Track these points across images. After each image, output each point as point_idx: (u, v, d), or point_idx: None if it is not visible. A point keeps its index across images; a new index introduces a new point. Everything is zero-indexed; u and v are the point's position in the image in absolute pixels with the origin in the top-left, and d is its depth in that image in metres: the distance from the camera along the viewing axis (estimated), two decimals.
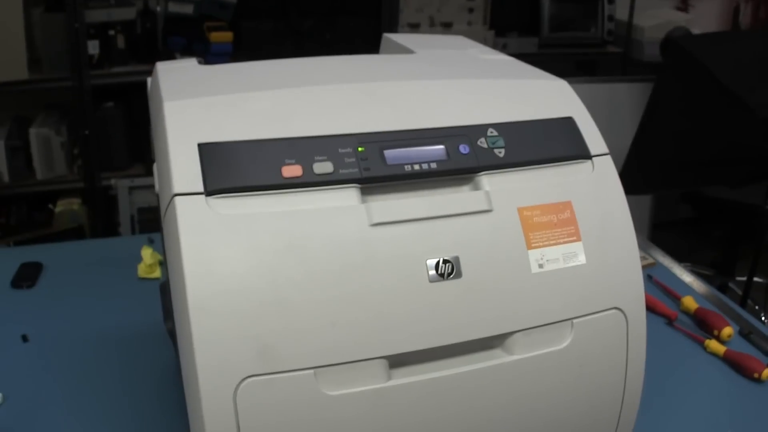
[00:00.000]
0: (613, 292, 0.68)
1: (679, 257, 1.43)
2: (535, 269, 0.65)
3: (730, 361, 1.03)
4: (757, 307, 2.64)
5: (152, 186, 0.67)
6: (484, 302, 0.63)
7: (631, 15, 2.86)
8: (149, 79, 0.79)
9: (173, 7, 2.51)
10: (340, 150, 0.63)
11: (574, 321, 0.66)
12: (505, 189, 0.66)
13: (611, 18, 2.86)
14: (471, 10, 2.72)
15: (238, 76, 0.75)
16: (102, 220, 2.61)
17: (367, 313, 0.60)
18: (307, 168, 0.62)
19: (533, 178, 0.68)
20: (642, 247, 1.37)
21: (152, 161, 0.69)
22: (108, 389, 0.95)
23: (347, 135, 0.64)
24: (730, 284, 2.74)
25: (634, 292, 0.69)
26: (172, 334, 0.75)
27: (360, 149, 0.64)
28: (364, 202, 0.62)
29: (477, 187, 0.66)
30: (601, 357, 0.68)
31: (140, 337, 1.05)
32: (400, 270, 0.61)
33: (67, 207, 2.54)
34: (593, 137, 0.72)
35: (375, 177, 0.63)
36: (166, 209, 0.60)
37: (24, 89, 2.40)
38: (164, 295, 0.87)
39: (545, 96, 0.74)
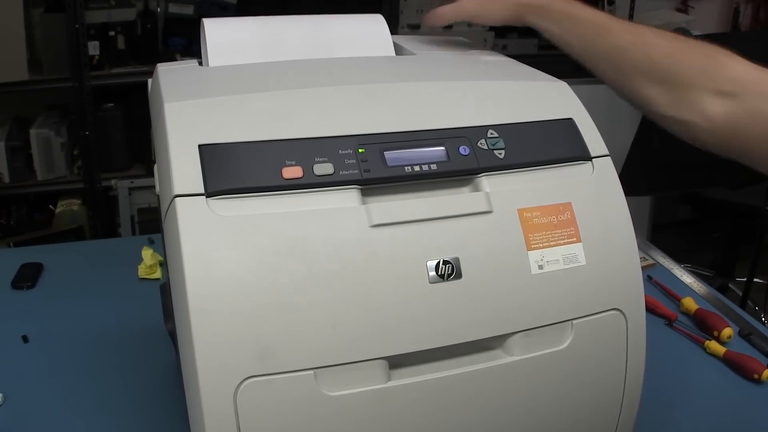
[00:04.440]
0: (612, 293, 0.68)
1: (679, 258, 1.43)
2: (535, 270, 0.65)
3: (730, 362, 1.03)
4: (756, 308, 2.64)
5: (152, 187, 0.68)
6: (484, 303, 0.63)
7: (631, 16, 2.86)
8: (150, 81, 0.80)
9: (173, 8, 2.52)
10: (340, 151, 0.63)
11: (574, 322, 0.66)
12: (506, 190, 0.66)
13: None
14: None
15: (238, 77, 0.76)
16: (102, 221, 2.61)
17: (367, 314, 0.60)
18: (308, 169, 0.62)
19: (533, 180, 0.68)
20: (642, 248, 1.37)
21: (152, 162, 0.69)
22: (108, 390, 0.95)
23: (348, 136, 0.64)
24: (730, 285, 2.74)
25: (633, 293, 0.69)
26: (172, 335, 0.75)
27: (360, 150, 0.64)
28: (364, 203, 0.62)
29: (477, 189, 0.66)
30: (601, 358, 0.68)
31: (140, 338, 1.05)
32: (400, 271, 0.61)
33: (68, 208, 2.54)
34: (593, 138, 0.72)
35: (375, 178, 0.63)
36: (167, 210, 0.60)
37: (24, 90, 2.40)
38: (165, 295, 0.87)
39: (545, 97, 0.74)
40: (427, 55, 0.87)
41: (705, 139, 0.76)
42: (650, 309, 1.15)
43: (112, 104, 2.52)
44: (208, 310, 0.56)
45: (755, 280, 2.27)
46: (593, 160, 0.71)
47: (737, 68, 0.73)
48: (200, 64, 0.82)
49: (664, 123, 0.77)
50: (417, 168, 0.65)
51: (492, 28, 2.73)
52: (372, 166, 0.63)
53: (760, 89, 0.71)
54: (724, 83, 0.72)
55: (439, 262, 0.62)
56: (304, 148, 0.63)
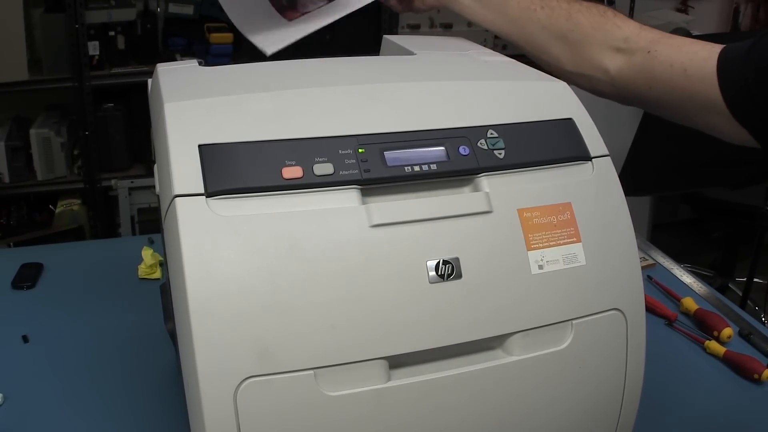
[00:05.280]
0: (612, 293, 0.68)
1: (679, 258, 1.43)
2: (534, 270, 0.65)
3: (730, 362, 1.03)
4: (756, 308, 2.64)
5: (152, 187, 0.68)
6: (484, 303, 0.63)
7: (631, 16, 2.86)
8: (150, 81, 0.80)
9: (173, 8, 2.52)
10: (340, 151, 0.63)
11: (574, 322, 0.66)
12: (505, 190, 0.66)
13: None
14: None
15: (238, 77, 0.76)
16: (102, 221, 2.61)
17: (367, 314, 0.60)
18: (308, 169, 0.62)
19: (533, 180, 0.68)
20: (642, 248, 1.37)
21: (152, 162, 0.69)
22: (108, 390, 0.95)
23: (347, 136, 0.64)
24: (730, 285, 2.74)
25: (633, 293, 0.69)
26: (172, 335, 0.75)
27: (360, 150, 0.64)
28: (364, 203, 0.62)
29: (477, 189, 0.66)
30: (601, 358, 0.68)
31: (140, 338, 1.05)
32: (400, 271, 0.61)
33: (68, 208, 2.54)
34: (593, 138, 0.72)
35: (375, 178, 0.63)
36: (167, 210, 0.60)
37: (24, 90, 2.40)
38: (164, 295, 0.87)
39: (545, 97, 0.74)
40: (427, 55, 0.87)
41: (606, 91, 0.86)
42: (650, 309, 1.15)
43: (112, 104, 2.51)
44: (208, 310, 0.56)
45: (755, 280, 2.27)
46: (593, 160, 0.71)
47: (627, 28, 0.83)
48: (200, 64, 0.82)
49: (569, 79, 0.84)
50: (417, 168, 0.65)
51: None
52: (372, 166, 0.63)
53: (643, 46, 0.81)
54: (618, 41, 0.83)
55: (439, 262, 0.62)
56: (304, 148, 0.63)
